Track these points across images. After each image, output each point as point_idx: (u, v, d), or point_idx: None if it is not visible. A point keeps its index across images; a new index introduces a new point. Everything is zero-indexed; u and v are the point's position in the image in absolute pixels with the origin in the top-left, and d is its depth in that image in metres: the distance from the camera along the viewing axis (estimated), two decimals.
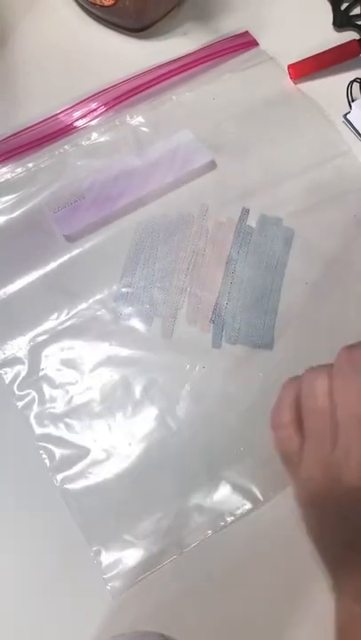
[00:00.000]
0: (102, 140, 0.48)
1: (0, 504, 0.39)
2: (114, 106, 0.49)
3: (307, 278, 0.44)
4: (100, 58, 0.52)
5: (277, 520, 0.39)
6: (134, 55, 0.52)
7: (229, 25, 0.53)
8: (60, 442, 0.39)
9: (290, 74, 0.50)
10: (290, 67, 0.50)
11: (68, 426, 0.40)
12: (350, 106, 0.48)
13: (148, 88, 0.49)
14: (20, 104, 0.50)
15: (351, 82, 0.48)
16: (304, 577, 0.37)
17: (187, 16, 0.54)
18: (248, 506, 0.38)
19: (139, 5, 0.50)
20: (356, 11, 0.51)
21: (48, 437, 0.40)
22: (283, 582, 0.38)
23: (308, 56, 0.49)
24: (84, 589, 0.37)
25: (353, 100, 0.48)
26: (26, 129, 0.48)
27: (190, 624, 0.37)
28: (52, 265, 0.44)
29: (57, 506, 0.39)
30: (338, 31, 0.52)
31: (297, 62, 0.49)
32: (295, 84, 0.50)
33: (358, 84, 0.48)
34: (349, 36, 0.51)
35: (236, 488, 0.39)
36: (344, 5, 0.51)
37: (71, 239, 0.44)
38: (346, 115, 0.48)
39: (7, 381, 0.41)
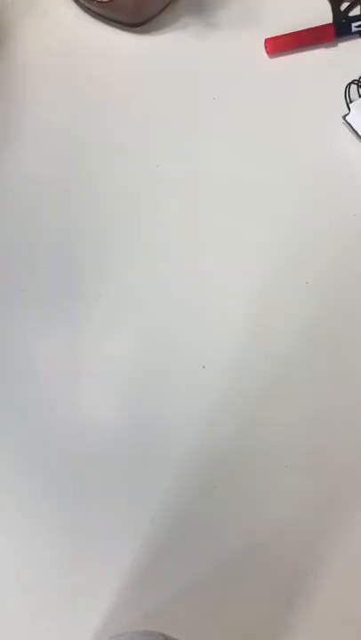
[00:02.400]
0: None
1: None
2: None
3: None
4: (99, 54, 0.52)
5: (277, 521, 0.40)
6: (133, 50, 0.53)
7: (227, 19, 0.53)
8: None
9: (266, 48, 0.51)
10: (267, 41, 0.51)
11: None
12: (348, 108, 0.49)
13: None
14: (21, 103, 0.50)
15: (349, 84, 0.49)
16: (305, 578, 0.39)
17: (184, 10, 0.54)
18: None
19: (137, 0, 0.50)
20: (355, 11, 0.52)
21: None
22: (283, 583, 0.39)
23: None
24: (84, 589, 0.39)
25: (351, 102, 0.49)
26: None
27: (190, 624, 0.38)
28: None
29: (58, 508, 0.40)
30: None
31: (274, 37, 0.51)
32: (270, 57, 0.51)
33: (356, 86, 0.49)
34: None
35: None
36: (344, 5, 0.52)
37: None
38: (345, 116, 0.49)
39: None
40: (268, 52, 0.52)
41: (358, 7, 0.52)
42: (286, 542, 0.40)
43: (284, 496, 0.40)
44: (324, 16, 0.52)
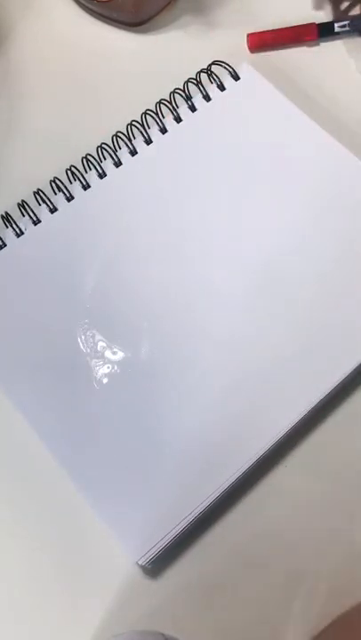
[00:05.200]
0: None
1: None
2: None
3: None
4: (98, 53, 0.53)
5: (275, 522, 0.40)
6: (133, 49, 0.53)
7: (227, 18, 0.54)
8: None
9: (248, 43, 0.52)
10: (249, 35, 0.52)
11: None
12: None
13: None
14: (20, 103, 0.51)
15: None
16: (305, 578, 0.39)
17: (184, 9, 0.55)
18: None
19: None
20: (355, 11, 0.52)
21: None
22: (283, 583, 0.39)
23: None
24: (83, 588, 0.39)
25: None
26: None
27: (190, 624, 0.38)
28: None
29: (56, 506, 0.41)
30: None
31: (256, 33, 0.52)
32: (251, 52, 0.52)
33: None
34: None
35: None
36: (344, 5, 0.52)
37: None
38: None
39: None
40: (249, 48, 0.52)
41: (358, 7, 0.52)
42: (286, 541, 0.40)
43: (285, 495, 0.41)
44: (326, 16, 0.53)
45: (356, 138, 0.49)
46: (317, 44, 0.53)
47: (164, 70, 0.51)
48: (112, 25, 0.54)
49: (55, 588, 0.39)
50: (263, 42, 0.52)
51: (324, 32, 0.52)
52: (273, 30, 0.52)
